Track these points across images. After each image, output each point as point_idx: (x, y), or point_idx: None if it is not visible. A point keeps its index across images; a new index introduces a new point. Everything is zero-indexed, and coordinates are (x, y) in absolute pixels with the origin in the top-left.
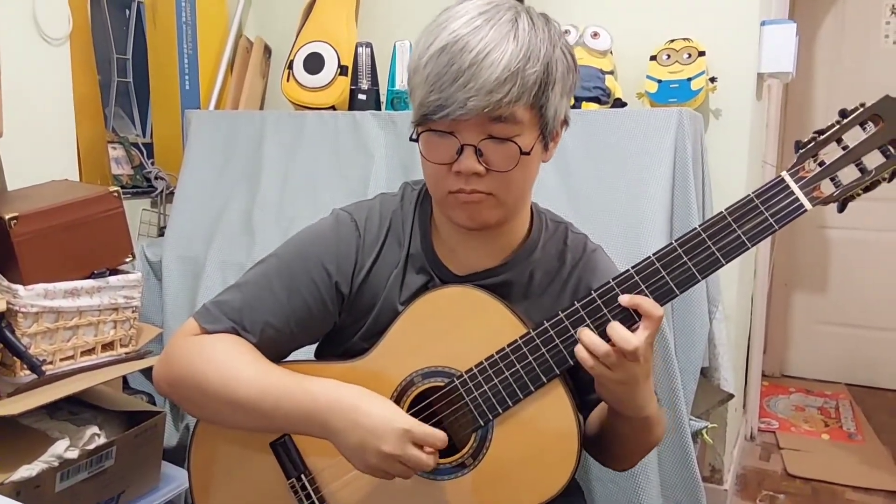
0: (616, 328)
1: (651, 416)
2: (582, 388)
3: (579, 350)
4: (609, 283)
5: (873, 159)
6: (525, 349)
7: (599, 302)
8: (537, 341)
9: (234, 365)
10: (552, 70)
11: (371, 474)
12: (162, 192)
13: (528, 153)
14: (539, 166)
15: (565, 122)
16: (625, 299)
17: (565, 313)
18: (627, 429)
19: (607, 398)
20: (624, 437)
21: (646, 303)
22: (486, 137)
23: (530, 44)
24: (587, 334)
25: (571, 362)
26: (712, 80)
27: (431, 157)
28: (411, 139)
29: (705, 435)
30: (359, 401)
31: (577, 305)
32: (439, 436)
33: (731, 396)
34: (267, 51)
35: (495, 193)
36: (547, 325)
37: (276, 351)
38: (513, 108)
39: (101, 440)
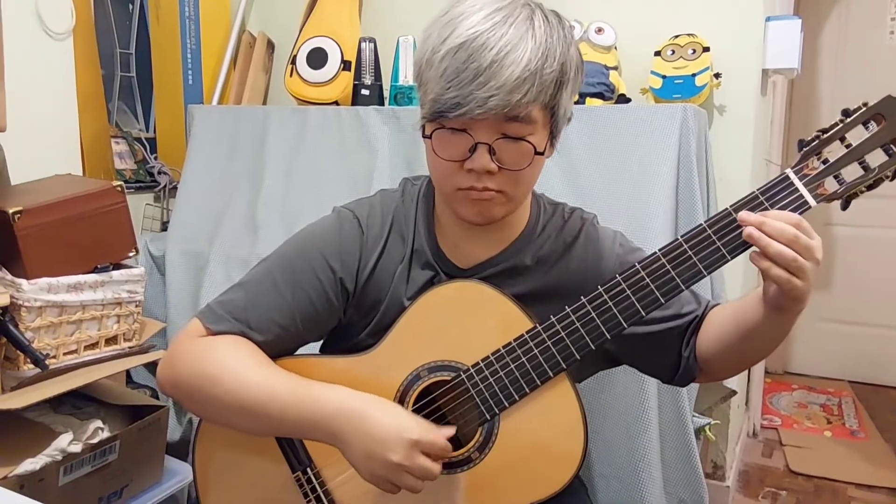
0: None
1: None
2: (651, 348)
3: (764, 243)
4: (615, 277)
5: (876, 157)
6: (531, 343)
7: (606, 297)
8: (543, 336)
9: (241, 369)
10: (567, 70)
11: (376, 485)
12: (165, 186)
13: (541, 153)
14: (544, 162)
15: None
16: (742, 216)
17: (571, 308)
18: (769, 328)
19: (781, 297)
20: (765, 335)
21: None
22: (500, 136)
23: (547, 43)
24: (771, 223)
25: (578, 357)
26: (717, 75)
27: (443, 154)
28: (423, 136)
29: (708, 431)
30: (367, 409)
31: (584, 300)
32: (445, 446)
33: (734, 393)
34: (270, 46)
35: (505, 191)
36: (553, 319)
37: (281, 349)
38: (530, 107)
39: (105, 434)
